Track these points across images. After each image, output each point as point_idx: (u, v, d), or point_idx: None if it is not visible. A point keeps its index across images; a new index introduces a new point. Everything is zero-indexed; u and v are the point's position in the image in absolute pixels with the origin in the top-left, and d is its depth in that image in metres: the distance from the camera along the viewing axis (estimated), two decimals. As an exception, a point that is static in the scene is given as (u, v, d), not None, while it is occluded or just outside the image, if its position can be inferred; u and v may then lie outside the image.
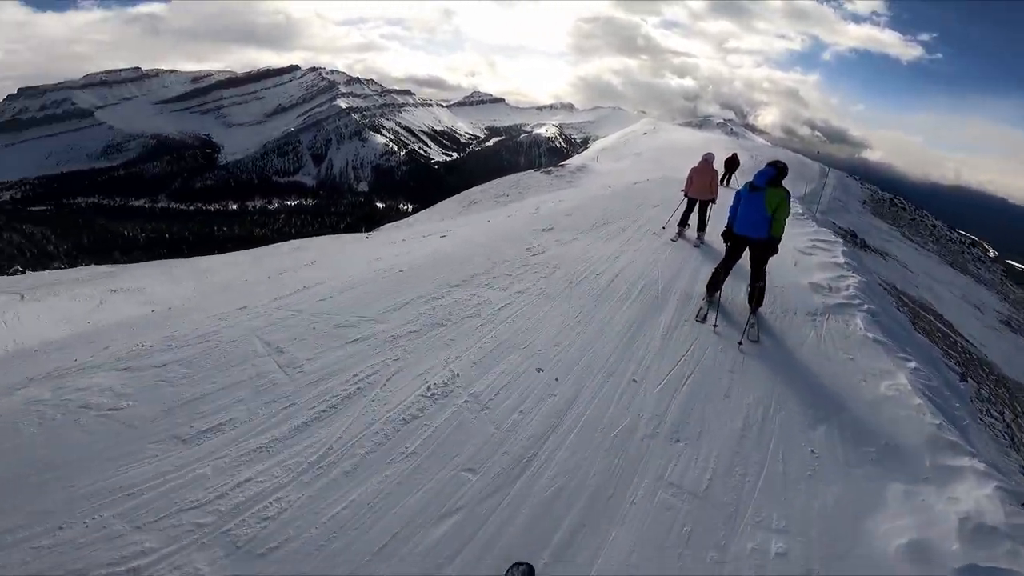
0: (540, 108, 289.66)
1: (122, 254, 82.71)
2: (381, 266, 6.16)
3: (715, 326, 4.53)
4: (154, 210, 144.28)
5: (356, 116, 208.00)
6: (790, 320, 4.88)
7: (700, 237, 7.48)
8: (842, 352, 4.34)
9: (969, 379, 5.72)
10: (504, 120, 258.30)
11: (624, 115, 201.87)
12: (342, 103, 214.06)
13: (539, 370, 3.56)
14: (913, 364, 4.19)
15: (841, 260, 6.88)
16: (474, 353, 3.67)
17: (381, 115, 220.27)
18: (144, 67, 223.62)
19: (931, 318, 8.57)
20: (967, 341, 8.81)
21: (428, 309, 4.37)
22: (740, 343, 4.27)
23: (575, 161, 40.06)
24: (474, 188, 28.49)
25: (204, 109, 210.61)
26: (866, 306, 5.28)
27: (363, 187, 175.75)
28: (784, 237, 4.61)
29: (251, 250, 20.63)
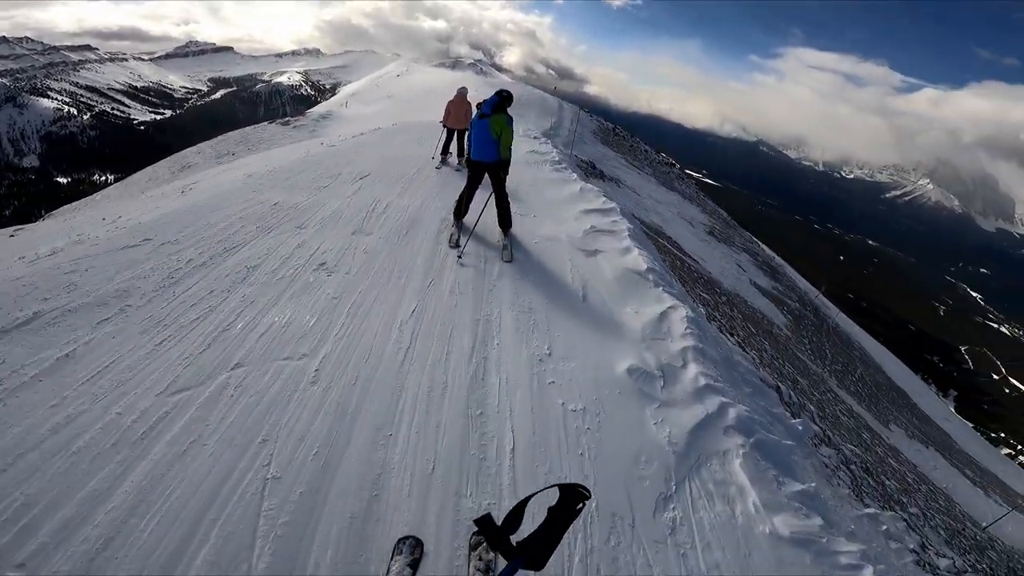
0: (280, 55, 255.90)
1: None
2: None
3: (460, 256, 4.56)
4: None
5: (5, 80, 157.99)
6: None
7: (460, 162, 8.29)
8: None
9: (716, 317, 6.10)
10: (234, 70, 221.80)
11: (378, 58, 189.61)
12: None
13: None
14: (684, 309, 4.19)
15: (614, 211, 6.81)
16: None
17: (47, 76, 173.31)
18: None
19: (667, 244, 9.38)
20: (693, 260, 9.94)
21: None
22: (503, 259, 4.60)
23: (319, 109, 34.85)
24: (190, 148, 21.90)
25: None
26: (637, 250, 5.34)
27: (31, 161, 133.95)
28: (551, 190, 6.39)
29: None
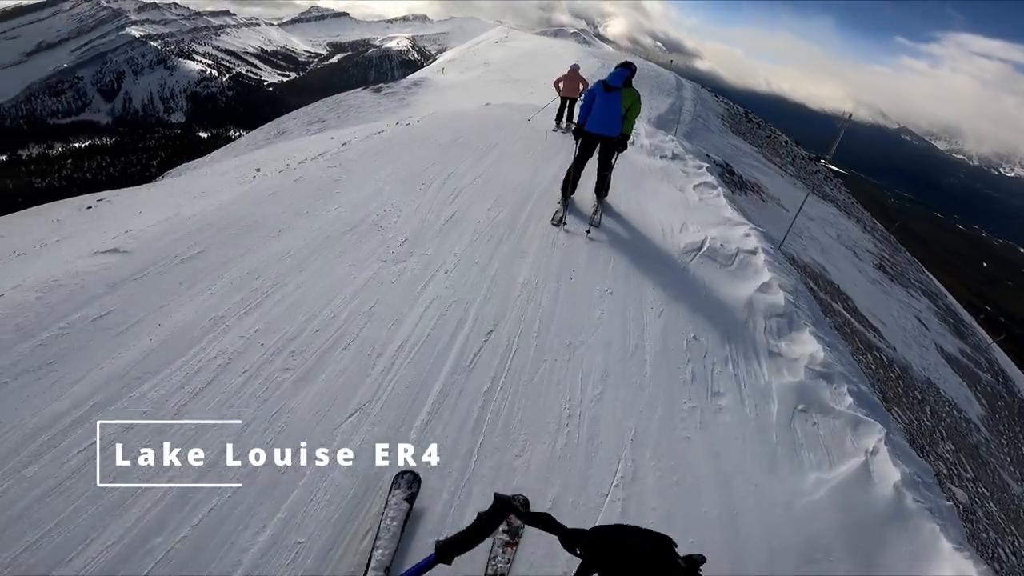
0: (390, 21, 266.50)
1: None
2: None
3: (566, 226, 4.55)
4: None
5: (156, 44, 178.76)
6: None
7: (568, 127, 9.12)
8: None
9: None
10: (349, 35, 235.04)
11: (480, 25, 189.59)
12: (134, 31, 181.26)
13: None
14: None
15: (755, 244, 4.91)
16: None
17: (192, 40, 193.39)
18: None
19: (837, 304, 7.31)
20: (874, 329, 7.73)
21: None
22: (588, 230, 4.52)
23: (418, 74, 34.70)
24: (287, 114, 22.79)
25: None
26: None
27: (178, 118, 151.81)
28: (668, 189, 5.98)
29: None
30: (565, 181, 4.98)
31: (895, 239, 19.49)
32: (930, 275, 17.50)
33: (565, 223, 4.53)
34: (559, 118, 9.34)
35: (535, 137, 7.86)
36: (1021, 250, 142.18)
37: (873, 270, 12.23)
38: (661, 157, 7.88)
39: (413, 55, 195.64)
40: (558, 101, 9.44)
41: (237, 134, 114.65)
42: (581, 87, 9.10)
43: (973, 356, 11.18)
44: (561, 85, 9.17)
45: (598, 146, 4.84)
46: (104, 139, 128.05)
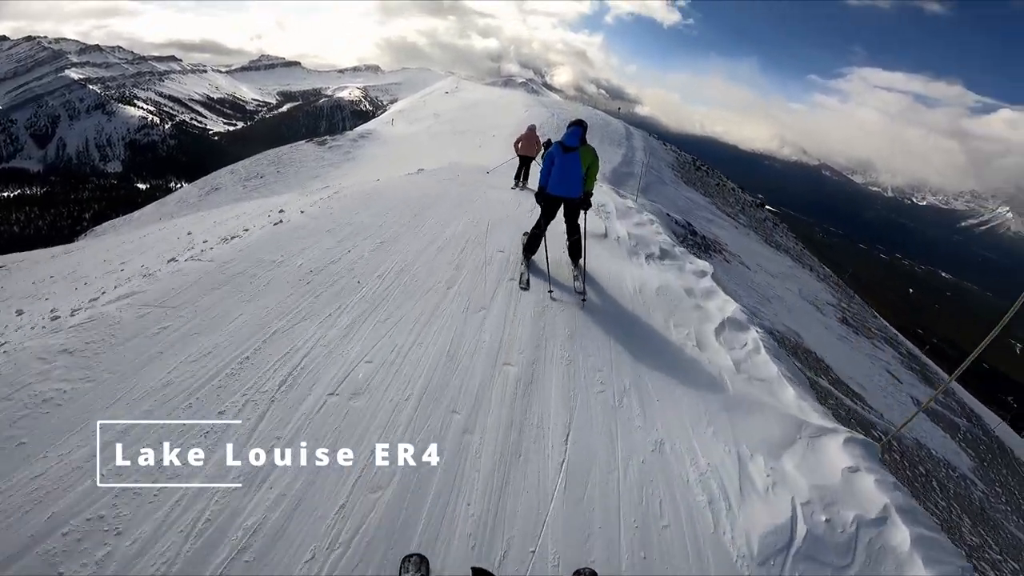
0: (342, 71, 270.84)
1: None
2: None
3: (550, 292, 4.49)
4: None
5: (96, 88, 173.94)
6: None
7: (524, 186, 9.45)
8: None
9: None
10: (300, 85, 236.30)
11: (433, 76, 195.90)
12: (73, 74, 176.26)
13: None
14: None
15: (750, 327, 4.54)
16: None
17: (135, 85, 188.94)
18: None
19: (826, 384, 6.99)
20: (864, 404, 7.56)
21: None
22: (584, 299, 4.43)
23: (366, 126, 34.64)
24: (225, 168, 21.84)
25: None
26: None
27: (115, 167, 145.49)
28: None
29: None
30: (529, 243, 4.92)
31: (843, 283, 20.14)
32: (883, 320, 18.35)
33: (526, 287, 4.55)
34: (517, 177, 9.73)
35: (473, 245, 5.46)
36: (943, 275, 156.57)
37: (838, 324, 12.38)
38: (648, 258, 6.25)
39: (365, 105, 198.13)
40: (514, 162, 10.06)
41: (178, 185, 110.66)
42: (538, 147, 9.78)
43: (948, 405, 11.56)
44: (519, 145, 9.70)
45: (561, 207, 4.79)
46: (35, 188, 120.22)
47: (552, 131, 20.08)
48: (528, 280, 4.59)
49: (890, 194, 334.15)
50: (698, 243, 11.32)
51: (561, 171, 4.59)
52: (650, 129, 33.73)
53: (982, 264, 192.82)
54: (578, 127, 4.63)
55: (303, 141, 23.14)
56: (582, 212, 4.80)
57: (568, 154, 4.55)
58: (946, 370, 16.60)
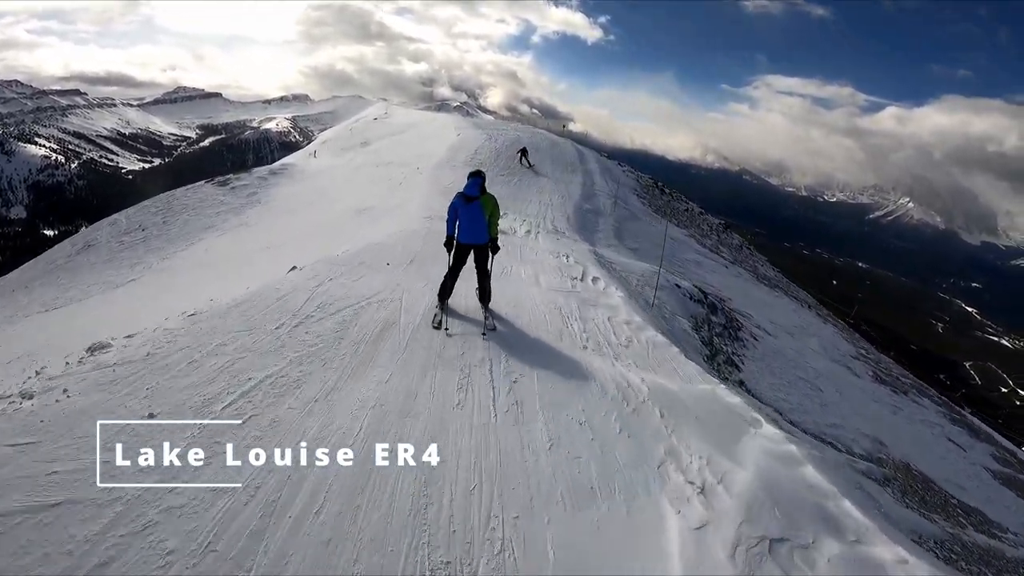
0: (268, 101, 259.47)
1: None
2: None
3: (447, 330, 4.75)
4: None
5: None
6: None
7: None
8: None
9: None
10: (222, 117, 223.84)
11: (365, 103, 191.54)
12: None
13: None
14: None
15: None
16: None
17: (35, 121, 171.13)
18: None
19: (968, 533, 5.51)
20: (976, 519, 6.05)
21: None
22: (484, 333, 4.77)
23: (283, 160, 31.59)
24: (104, 220, 18.42)
25: None
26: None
27: (18, 212, 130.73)
28: None
29: None
30: (442, 289, 5.24)
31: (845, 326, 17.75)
32: (888, 358, 16.15)
33: (447, 329, 4.82)
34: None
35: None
36: (860, 264, 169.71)
37: (878, 387, 10.64)
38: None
39: (295, 136, 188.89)
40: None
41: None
42: None
43: (1007, 459, 10.02)
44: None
45: (471, 254, 5.14)
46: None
47: (490, 156, 17.76)
48: (441, 321, 4.88)
49: (804, 193, 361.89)
50: (723, 325, 9.29)
51: (467, 219, 4.96)
52: (586, 145, 32.17)
53: (893, 252, 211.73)
54: (477, 177, 5.06)
55: (203, 182, 19.97)
56: (492, 257, 5.19)
57: (471, 204, 4.93)
58: (915, 375, 15.35)
